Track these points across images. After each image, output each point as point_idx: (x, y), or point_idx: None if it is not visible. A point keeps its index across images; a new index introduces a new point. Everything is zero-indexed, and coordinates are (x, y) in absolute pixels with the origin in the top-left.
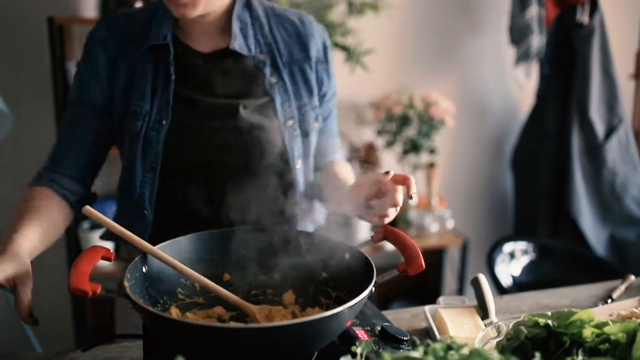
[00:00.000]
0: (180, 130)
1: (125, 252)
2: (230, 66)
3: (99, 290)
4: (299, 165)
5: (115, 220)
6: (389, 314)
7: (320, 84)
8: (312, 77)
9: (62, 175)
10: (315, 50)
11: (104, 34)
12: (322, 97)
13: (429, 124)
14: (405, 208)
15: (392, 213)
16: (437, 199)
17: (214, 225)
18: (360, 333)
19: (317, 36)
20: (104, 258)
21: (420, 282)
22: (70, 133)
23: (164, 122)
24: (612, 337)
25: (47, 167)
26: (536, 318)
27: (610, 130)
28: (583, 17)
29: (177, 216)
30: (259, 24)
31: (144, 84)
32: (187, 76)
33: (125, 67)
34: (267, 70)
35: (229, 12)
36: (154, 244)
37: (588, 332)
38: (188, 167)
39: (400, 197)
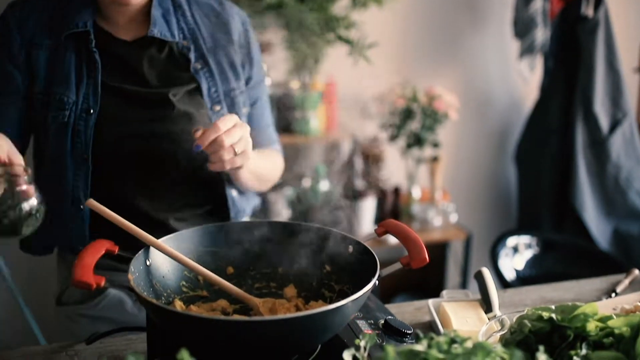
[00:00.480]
0: (109, 119)
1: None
2: (154, 54)
3: (102, 283)
4: None
5: (50, 220)
6: (392, 307)
7: (242, 67)
8: (237, 60)
9: None
10: (237, 34)
11: (20, 15)
12: (246, 81)
13: (432, 117)
14: (408, 202)
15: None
16: (441, 192)
17: (149, 218)
18: (364, 326)
19: (238, 19)
20: (107, 251)
21: (423, 276)
22: None
23: (92, 111)
24: (616, 331)
25: None
26: (540, 312)
27: (614, 124)
28: (588, 10)
29: (113, 210)
30: (181, 11)
31: (67, 72)
32: (111, 64)
33: (44, 54)
34: (192, 56)
35: None
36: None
37: (592, 326)
38: (119, 157)
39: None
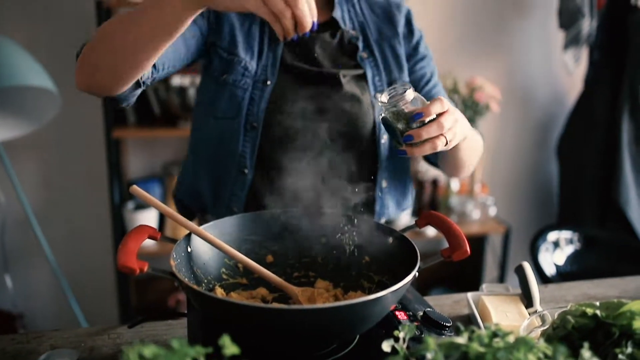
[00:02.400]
0: (282, 92)
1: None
2: (327, 38)
3: (145, 268)
4: (383, 139)
5: (212, 178)
6: (430, 300)
7: (407, 58)
8: (402, 52)
9: None
10: (401, 27)
11: None
12: (410, 69)
13: (473, 109)
14: (447, 194)
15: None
16: (480, 185)
17: (303, 198)
18: (403, 318)
19: (402, 12)
20: (150, 237)
21: (460, 269)
22: None
23: (268, 82)
24: None
25: None
26: (584, 308)
27: None
28: (638, 0)
29: (271, 181)
30: (352, 3)
31: (252, 43)
32: (288, 43)
33: (231, 18)
34: (360, 45)
35: None
36: (248, 208)
37: (638, 324)
38: (287, 130)
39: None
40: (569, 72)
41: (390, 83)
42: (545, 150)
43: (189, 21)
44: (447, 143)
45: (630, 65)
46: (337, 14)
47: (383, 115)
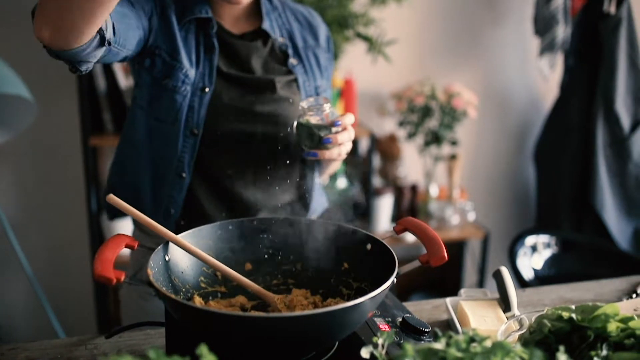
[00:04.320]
0: (220, 99)
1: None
2: (259, 47)
3: (122, 278)
4: None
5: (151, 178)
6: (409, 305)
7: (325, 69)
8: (322, 62)
9: None
10: (323, 40)
11: None
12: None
13: (451, 115)
14: (426, 200)
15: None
16: (459, 191)
17: (241, 200)
18: (382, 324)
19: (324, 28)
20: (127, 246)
21: (440, 275)
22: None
23: (207, 90)
24: (637, 332)
25: None
26: (560, 311)
27: (636, 123)
28: (610, 7)
29: (210, 186)
30: (277, 12)
31: (189, 51)
32: (223, 51)
33: (172, 26)
34: (290, 52)
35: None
36: (185, 211)
37: (613, 327)
38: (225, 135)
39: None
40: (544, 78)
41: (315, 88)
42: (522, 155)
43: None
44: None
45: (604, 70)
46: (265, 25)
47: (300, 120)
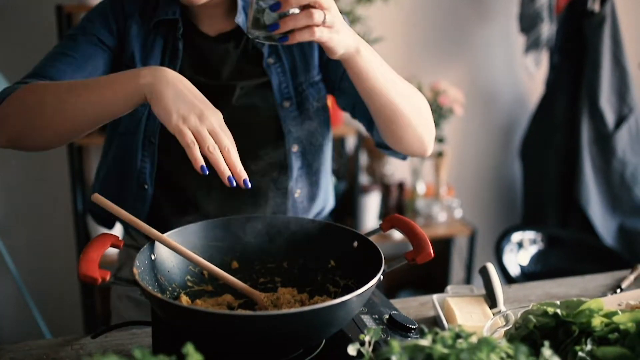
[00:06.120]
0: None
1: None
2: (231, 49)
3: (108, 277)
4: (294, 148)
5: (117, 191)
6: (396, 302)
7: (318, 52)
8: (311, 51)
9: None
10: None
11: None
12: (324, 65)
13: (437, 112)
14: (413, 197)
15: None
16: (445, 188)
17: (205, 212)
18: (369, 321)
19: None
20: (112, 245)
21: (428, 272)
22: (67, 61)
23: None
24: (622, 327)
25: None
26: (545, 307)
27: (620, 120)
28: (594, 5)
29: (173, 198)
30: None
31: (154, 57)
32: (190, 55)
33: (137, 36)
34: (266, 50)
35: None
36: (150, 222)
37: (597, 322)
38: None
39: None
40: (530, 75)
41: (296, 87)
42: (508, 152)
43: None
44: (327, 38)
45: (588, 68)
46: (239, 19)
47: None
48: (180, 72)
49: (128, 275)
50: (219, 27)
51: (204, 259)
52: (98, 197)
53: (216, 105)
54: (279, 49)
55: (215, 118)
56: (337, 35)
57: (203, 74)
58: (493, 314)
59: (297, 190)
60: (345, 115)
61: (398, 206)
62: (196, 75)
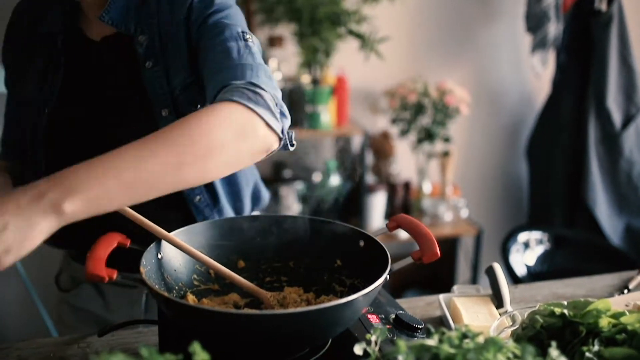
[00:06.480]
0: (62, 120)
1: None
2: (112, 54)
3: (115, 276)
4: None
5: None
6: (402, 302)
7: (196, 42)
8: (179, 50)
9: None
10: (184, 10)
11: (15, 18)
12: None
13: (443, 112)
14: (419, 197)
15: None
16: (451, 187)
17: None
18: (375, 321)
19: None
20: (119, 244)
21: (434, 272)
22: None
23: (45, 111)
24: (629, 327)
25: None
26: (552, 307)
27: (627, 120)
28: (601, 4)
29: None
30: (147, 5)
31: (39, 69)
32: (74, 64)
33: (29, 51)
34: (144, 54)
35: None
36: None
37: (604, 322)
38: (69, 156)
39: None
40: (536, 75)
41: (171, 92)
42: (515, 151)
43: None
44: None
45: (595, 67)
46: (105, 17)
47: None
48: (64, 84)
49: (65, 281)
50: (102, 30)
51: (211, 258)
52: None
53: (103, 118)
54: (157, 53)
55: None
56: (17, 250)
57: (87, 83)
58: (500, 314)
59: (197, 197)
60: (351, 115)
61: (404, 206)
62: (80, 86)
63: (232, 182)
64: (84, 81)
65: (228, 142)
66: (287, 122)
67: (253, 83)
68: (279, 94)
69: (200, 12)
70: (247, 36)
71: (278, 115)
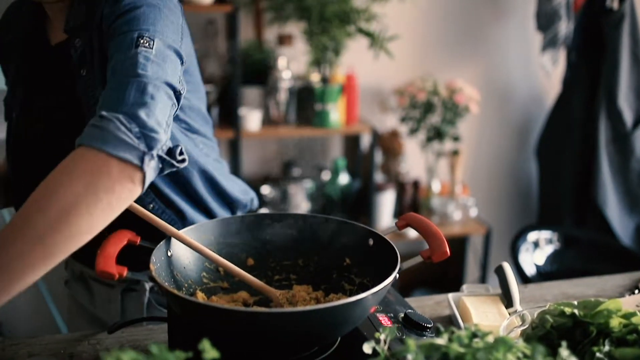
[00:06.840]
0: (21, 128)
1: None
2: (60, 60)
3: (125, 273)
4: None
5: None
6: (411, 301)
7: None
8: (103, 51)
9: None
10: (99, 12)
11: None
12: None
13: (453, 111)
14: (428, 195)
15: None
16: (461, 186)
17: None
18: (384, 319)
19: None
20: (129, 241)
21: (442, 271)
22: None
23: (10, 118)
24: None
25: None
26: (562, 307)
27: (638, 119)
28: (613, 2)
29: None
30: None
31: (11, 79)
32: (35, 72)
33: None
34: (75, 59)
35: None
36: None
37: (615, 322)
38: (29, 163)
39: None
40: (547, 73)
41: (96, 102)
42: (524, 151)
43: None
44: None
45: (606, 66)
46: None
47: None
48: (25, 90)
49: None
50: (58, 35)
51: (220, 255)
52: None
53: (53, 125)
54: (93, 60)
55: None
56: None
57: (38, 90)
58: (509, 314)
59: (150, 205)
60: (360, 113)
61: (413, 204)
62: (34, 93)
63: (212, 183)
64: (37, 89)
65: (80, 198)
66: (157, 140)
67: (113, 110)
68: (166, 109)
69: (107, 17)
70: (143, 40)
71: (134, 140)
